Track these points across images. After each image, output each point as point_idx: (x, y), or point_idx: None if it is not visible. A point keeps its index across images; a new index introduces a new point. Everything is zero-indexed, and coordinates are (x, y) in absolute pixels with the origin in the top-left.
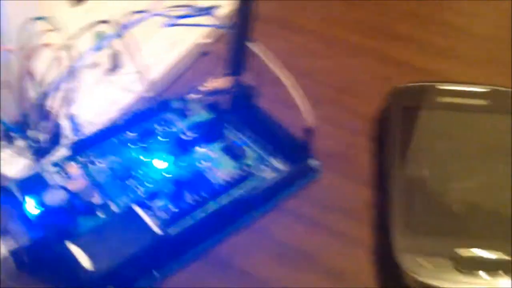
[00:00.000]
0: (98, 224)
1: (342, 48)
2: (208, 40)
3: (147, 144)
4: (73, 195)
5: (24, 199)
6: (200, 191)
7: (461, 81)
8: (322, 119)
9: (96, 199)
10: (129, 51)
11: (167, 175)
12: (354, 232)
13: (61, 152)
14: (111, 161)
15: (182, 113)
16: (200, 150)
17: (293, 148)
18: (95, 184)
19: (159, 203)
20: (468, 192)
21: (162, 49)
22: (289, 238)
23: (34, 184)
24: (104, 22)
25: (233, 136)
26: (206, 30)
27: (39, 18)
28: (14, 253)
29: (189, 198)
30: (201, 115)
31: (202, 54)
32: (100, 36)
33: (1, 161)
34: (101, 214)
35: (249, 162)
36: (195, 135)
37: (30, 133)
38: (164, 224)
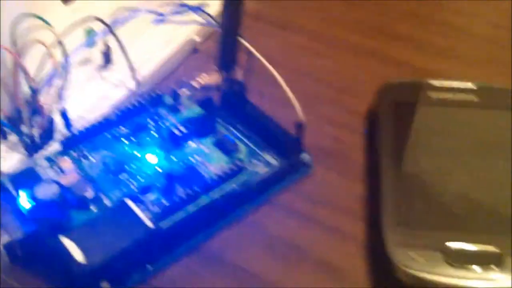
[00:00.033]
0: (91, 218)
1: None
2: (199, 37)
3: (140, 139)
4: (65, 189)
5: (17, 193)
6: (192, 185)
7: (452, 77)
8: (318, 116)
9: (89, 193)
10: (122, 48)
11: (160, 170)
12: (346, 226)
13: (54, 147)
14: (103, 155)
15: (175, 108)
16: (192, 144)
17: (285, 143)
18: (88, 179)
19: (151, 197)
20: (459, 187)
21: (154, 45)
22: (281, 232)
23: (27, 178)
24: (94, 18)
25: (225, 130)
26: (197, 27)
27: (31, 15)
28: (7, 247)
29: (181, 192)
30: (193, 110)
31: (193, 51)
32: (91, 33)
33: None
34: (93, 208)
35: (241, 156)
36: (187, 130)
37: (23, 128)
38: (156, 218)
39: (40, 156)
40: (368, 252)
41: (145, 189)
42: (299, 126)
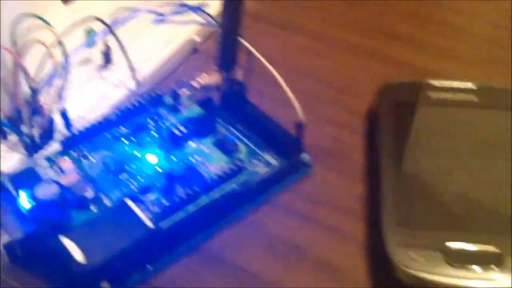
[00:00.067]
0: (91, 218)
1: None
2: (199, 37)
3: (140, 139)
4: (65, 189)
5: (17, 193)
6: (192, 185)
7: (452, 77)
8: (318, 116)
9: (89, 193)
10: (122, 48)
11: (160, 170)
12: (346, 226)
13: (54, 147)
14: (103, 155)
15: (175, 108)
16: (192, 144)
17: (285, 143)
18: (88, 179)
19: (151, 197)
20: (459, 187)
21: (154, 45)
22: (281, 232)
23: (27, 178)
24: (94, 18)
25: (225, 130)
26: (197, 27)
27: (31, 15)
28: (7, 247)
29: (181, 192)
30: (193, 110)
31: (193, 51)
32: (91, 33)
33: None
34: (93, 208)
35: (241, 156)
36: (187, 130)
37: (23, 128)
38: (156, 218)
39: (40, 156)
40: (368, 252)
41: (145, 189)
42: (299, 126)
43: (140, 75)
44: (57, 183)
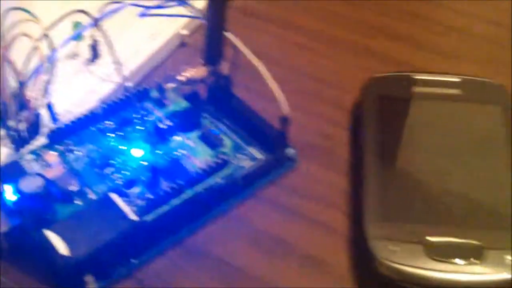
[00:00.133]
0: (76, 211)
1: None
2: (187, 31)
3: (125, 133)
4: (50, 182)
5: (2, 186)
6: (177, 179)
7: (436, 71)
8: (305, 112)
9: (74, 186)
10: (107, 41)
11: (145, 163)
12: (331, 220)
13: (40, 141)
14: (89, 149)
15: (160, 102)
16: (177, 138)
17: (270, 137)
18: (73, 172)
19: (136, 190)
20: (441, 181)
21: (141, 39)
22: (266, 226)
23: (12, 172)
24: (80, 11)
25: (210, 125)
26: (184, 21)
27: (18, 8)
28: None
29: (166, 185)
30: (179, 104)
31: (180, 44)
32: (77, 26)
33: None
34: (78, 202)
35: (226, 150)
36: (173, 124)
37: (9, 122)
38: (141, 211)
39: (25, 150)
40: (352, 246)
41: (130, 183)
42: (284, 120)
43: (127, 69)
44: (42, 176)
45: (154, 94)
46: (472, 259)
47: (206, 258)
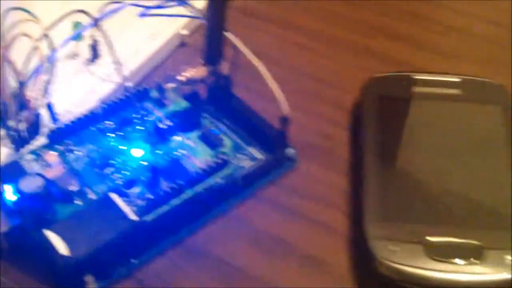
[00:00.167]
0: (76, 211)
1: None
2: (187, 31)
3: (125, 133)
4: (50, 182)
5: (2, 187)
6: (177, 179)
7: (436, 71)
8: (306, 112)
9: (74, 186)
10: (107, 41)
11: (145, 163)
12: (330, 220)
13: (40, 141)
14: (89, 149)
15: (160, 102)
16: (177, 138)
17: (270, 137)
18: (73, 172)
19: (136, 190)
20: (441, 181)
21: (141, 39)
22: (266, 226)
23: (12, 172)
24: (80, 11)
25: (210, 125)
26: (184, 21)
27: (18, 9)
28: None
29: (166, 186)
30: (179, 104)
31: (180, 44)
32: (77, 26)
33: None
34: (78, 202)
35: (226, 150)
36: (173, 124)
37: (10, 122)
38: (140, 211)
39: (25, 150)
40: (352, 246)
41: (130, 183)
42: (284, 120)
43: (128, 69)
44: (42, 176)
45: (154, 94)
46: (472, 259)
47: (206, 258)
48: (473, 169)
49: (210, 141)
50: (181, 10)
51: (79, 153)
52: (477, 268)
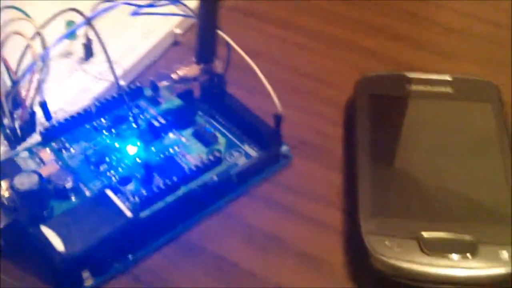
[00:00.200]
0: (71, 208)
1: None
2: (180, 30)
3: (120, 131)
4: (45, 179)
5: None
6: (172, 176)
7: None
8: (299, 109)
9: (69, 183)
10: (99, 40)
11: (139, 161)
12: (325, 217)
13: (35, 139)
14: (84, 147)
15: (154, 100)
16: (171, 136)
17: (264, 135)
18: (68, 169)
19: (131, 187)
20: (435, 177)
21: (134, 38)
22: (261, 223)
23: (6, 169)
24: (73, 10)
25: (205, 122)
26: (177, 19)
27: (11, 7)
28: None
29: (160, 183)
30: (172, 102)
31: (173, 43)
32: (70, 24)
33: None
34: (73, 198)
35: (220, 148)
36: (167, 122)
37: (4, 121)
38: (135, 208)
39: (20, 148)
40: (347, 242)
41: (124, 180)
42: (278, 117)
43: (121, 67)
44: (37, 173)
45: (148, 92)
46: (467, 254)
47: (201, 254)
48: (466, 165)
49: (204, 138)
50: (173, 9)
51: (74, 150)
52: (472, 263)
